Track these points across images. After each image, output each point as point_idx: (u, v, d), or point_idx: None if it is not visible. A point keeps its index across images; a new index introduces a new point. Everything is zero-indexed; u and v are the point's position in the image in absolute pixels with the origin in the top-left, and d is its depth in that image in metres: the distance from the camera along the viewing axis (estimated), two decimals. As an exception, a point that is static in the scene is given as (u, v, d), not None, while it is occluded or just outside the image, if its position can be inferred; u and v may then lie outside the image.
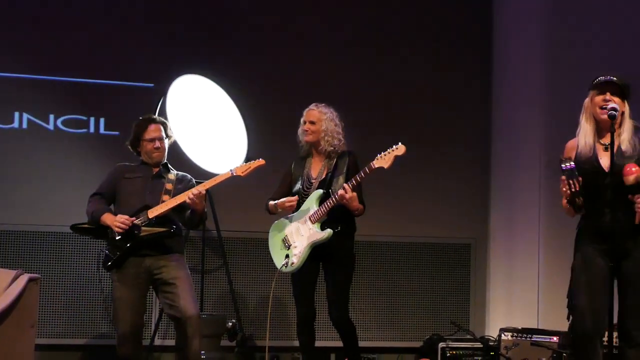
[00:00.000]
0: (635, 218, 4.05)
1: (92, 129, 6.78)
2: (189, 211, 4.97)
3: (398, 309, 6.91)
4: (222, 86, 6.78)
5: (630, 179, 3.99)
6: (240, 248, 6.72)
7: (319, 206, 5.08)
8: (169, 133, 5.22)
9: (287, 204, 5.16)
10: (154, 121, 5.19)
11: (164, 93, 6.62)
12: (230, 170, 5.02)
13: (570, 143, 4.36)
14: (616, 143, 4.14)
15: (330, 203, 5.02)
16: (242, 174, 5.02)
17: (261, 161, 5.06)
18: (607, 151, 4.15)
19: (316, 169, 5.27)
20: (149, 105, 6.63)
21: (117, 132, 6.72)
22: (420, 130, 7.00)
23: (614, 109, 4.06)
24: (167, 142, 5.17)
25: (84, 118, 6.77)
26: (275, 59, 7.00)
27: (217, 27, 6.96)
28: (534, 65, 7.06)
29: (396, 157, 4.92)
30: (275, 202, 5.24)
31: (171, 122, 6.48)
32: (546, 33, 7.02)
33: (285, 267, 5.14)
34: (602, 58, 6.61)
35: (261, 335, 6.57)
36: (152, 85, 6.78)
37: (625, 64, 6.44)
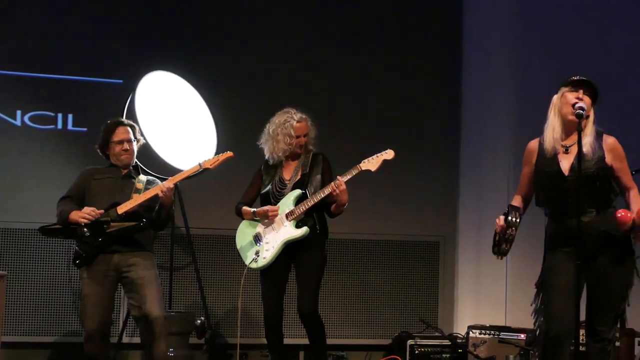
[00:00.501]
0: (636, 240, 4.14)
1: (59, 125, 6.71)
2: (157, 206, 4.94)
3: (367, 307, 6.92)
4: (192, 83, 6.74)
5: (626, 227, 4.06)
6: (209, 245, 6.69)
7: (296, 206, 5.10)
8: (138, 136, 5.19)
9: (270, 213, 5.11)
10: (122, 124, 5.17)
11: (133, 89, 6.57)
12: (199, 163, 5.00)
13: (531, 145, 4.38)
14: (576, 147, 4.15)
15: (309, 202, 5.05)
16: (210, 167, 5.01)
17: (229, 153, 5.06)
18: (567, 154, 4.20)
19: (289, 170, 5.27)
20: (117, 101, 6.59)
21: (84, 129, 6.67)
22: (389, 129, 7.01)
23: (581, 108, 4.09)
24: (135, 145, 5.14)
25: (52, 114, 6.70)
26: (245, 56, 6.97)
27: (186, 23, 6.92)
28: (503, 67, 7.12)
29: (384, 161, 5.02)
30: (255, 210, 5.20)
31: (140, 118, 6.46)
32: (515, 36, 7.08)
33: (255, 262, 5.12)
34: (570, 62, 6.68)
35: (230, 333, 6.56)
36: (121, 81, 6.72)
37: (593, 69, 6.51)
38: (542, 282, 4.32)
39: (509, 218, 4.20)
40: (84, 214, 4.83)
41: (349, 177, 5.01)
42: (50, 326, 6.42)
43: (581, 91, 4.18)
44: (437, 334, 6.50)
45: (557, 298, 4.18)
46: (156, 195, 4.92)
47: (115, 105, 6.60)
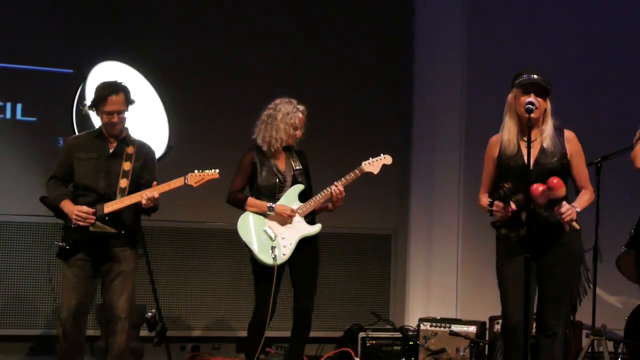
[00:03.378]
0: (564, 226, 4.13)
1: (8, 115, 6.59)
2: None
3: (319, 299, 6.87)
4: (143, 73, 6.69)
5: (540, 200, 4.08)
6: (160, 238, 6.63)
7: (306, 201, 5.11)
8: (132, 101, 4.83)
9: (288, 215, 5.05)
10: (116, 92, 4.76)
11: (83, 79, 6.49)
12: (185, 177, 4.88)
13: (494, 139, 4.41)
14: (539, 140, 4.22)
15: (319, 199, 5.11)
16: (194, 185, 4.88)
17: (215, 173, 4.85)
18: (531, 148, 4.24)
19: (282, 162, 5.20)
20: (68, 91, 6.52)
21: (34, 119, 6.57)
22: (342, 123, 7.03)
23: (531, 102, 4.12)
24: (126, 114, 4.81)
25: (0, 104, 6.58)
26: (197, 46, 6.92)
27: (139, 13, 6.85)
28: (454, 62, 7.18)
29: (384, 165, 5.22)
30: (275, 205, 5.06)
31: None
32: (466, 32, 7.15)
33: (274, 259, 5.03)
34: (521, 56, 6.76)
35: (181, 325, 6.52)
36: (71, 71, 6.63)
37: (545, 60, 6.60)
38: (497, 273, 4.36)
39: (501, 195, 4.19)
40: (76, 216, 4.67)
41: (349, 180, 5.12)
42: (30, 319, 6.35)
43: (532, 94, 4.21)
44: (388, 326, 6.54)
45: (511, 288, 4.23)
46: (144, 173, 4.81)
47: (66, 94, 6.51)
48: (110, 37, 6.71)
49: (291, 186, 5.14)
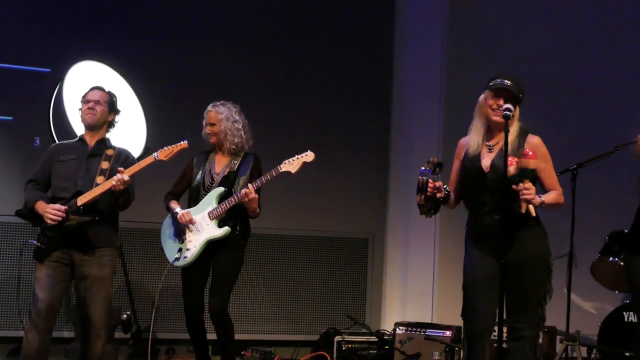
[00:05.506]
0: (521, 207, 4.11)
1: (-16, 114, 6.55)
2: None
3: (295, 303, 6.93)
4: (121, 74, 6.66)
5: (511, 169, 4.07)
6: (136, 239, 6.61)
7: (219, 204, 5.07)
8: (117, 109, 4.95)
9: (184, 221, 5.10)
10: (99, 88, 4.95)
11: (61, 79, 6.44)
12: (154, 154, 4.87)
13: (462, 141, 4.43)
14: (500, 144, 4.20)
15: (231, 201, 5.03)
16: (165, 158, 4.87)
17: (184, 144, 4.88)
18: (490, 152, 4.25)
19: (220, 165, 5.24)
20: (45, 90, 6.47)
21: (10, 117, 6.51)
22: (320, 127, 7.04)
23: (508, 109, 4.12)
24: (108, 113, 4.89)
25: (-24, 102, 6.54)
26: (177, 48, 6.90)
27: (116, 13, 6.81)
28: (432, 69, 7.21)
29: (304, 163, 5.02)
30: (179, 211, 5.15)
31: (68, 108, 6.35)
32: (445, 37, 7.19)
33: (178, 260, 5.11)
34: (499, 60, 6.80)
35: (156, 327, 6.48)
36: (49, 70, 6.59)
37: (520, 65, 6.65)
38: (463, 278, 4.37)
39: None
40: (49, 215, 4.67)
41: (264, 181, 5.00)
42: (9, 321, 6.27)
43: (502, 100, 4.22)
44: (364, 330, 6.54)
45: (474, 294, 4.25)
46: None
47: (43, 94, 6.47)
48: (89, 36, 6.67)
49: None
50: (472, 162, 4.27)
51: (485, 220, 4.21)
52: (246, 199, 4.96)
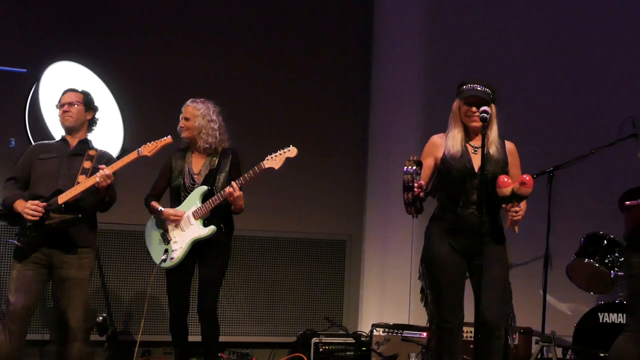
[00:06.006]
0: (507, 224, 4.20)
1: (-42, 114, 6.49)
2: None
3: (273, 304, 6.92)
4: (99, 74, 6.63)
5: (506, 191, 4.13)
6: (113, 241, 6.56)
7: (203, 203, 5.06)
8: (93, 106, 4.95)
9: (172, 218, 5.09)
10: (71, 89, 4.94)
11: (37, 79, 6.40)
12: (137, 150, 4.85)
13: (437, 139, 4.45)
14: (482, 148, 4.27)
15: (215, 200, 5.01)
16: (149, 154, 4.84)
17: (168, 139, 4.89)
18: (476, 154, 4.29)
19: (198, 164, 5.22)
20: (21, 90, 6.42)
21: (-15, 118, 6.47)
22: (300, 130, 7.03)
23: (485, 111, 4.17)
24: (85, 112, 4.88)
25: (-50, 102, 6.48)
26: (154, 48, 6.87)
27: (93, 14, 6.77)
28: (410, 72, 7.24)
29: (287, 159, 4.99)
30: (162, 209, 5.14)
31: (44, 109, 6.30)
32: (423, 42, 7.21)
33: (164, 262, 5.09)
34: (475, 64, 6.83)
35: (133, 329, 6.46)
36: (24, 70, 6.53)
37: (496, 69, 6.68)
38: (430, 274, 4.39)
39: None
40: (28, 210, 4.62)
41: (247, 178, 4.98)
42: None
43: (474, 108, 4.27)
44: (341, 332, 6.55)
45: (447, 291, 4.28)
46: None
47: (19, 94, 6.42)
48: (65, 37, 6.63)
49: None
50: (461, 163, 4.30)
51: (468, 219, 4.24)
52: (231, 198, 4.96)
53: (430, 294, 4.41)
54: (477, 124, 4.23)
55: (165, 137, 4.86)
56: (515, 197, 4.13)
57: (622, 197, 5.73)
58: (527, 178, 4.11)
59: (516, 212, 4.15)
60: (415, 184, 4.05)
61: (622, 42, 6.82)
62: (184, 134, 5.21)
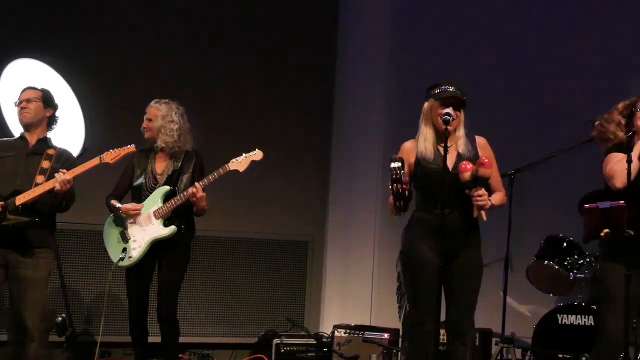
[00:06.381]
0: (474, 212, 4.20)
1: None
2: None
3: (234, 305, 6.90)
4: (61, 72, 6.56)
5: (466, 175, 4.14)
6: (73, 241, 6.50)
7: (165, 203, 5.04)
8: (53, 104, 4.89)
9: (132, 212, 5.06)
10: (30, 87, 4.89)
11: (-3, 76, 6.32)
12: (100, 157, 4.81)
13: (409, 145, 4.47)
14: (455, 147, 4.33)
15: (177, 201, 5.00)
16: (111, 162, 4.82)
17: (132, 148, 4.87)
18: (448, 154, 4.32)
19: (161, 165, 5.20)
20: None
21: (-58, 116, 6.37)
22: (262, 130, 7.02)
23: (448, 114, 4.21)
24: (43, 109, 4.83)
25: None
26: (117, 47, 6.80)
27: (54, 10, 6.69)
28: (374, 74, 7.26)
29: (253, 162, 5.03)
30: (120, 206, 5.11)
31: (4, 107, 6.22)
32: (388, 45, 7.24)
33: (122, 261, 5.06)
34: (441, 68, 6.87)
35: (93, 330, 6.40)
36: (-16, 68, 6.46)
37: (461, 73, 6.72)
38: (410, 275, 4.41)
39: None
40: None
41: (212, 180, 4.98)
42: None
43: (451, 108, 4.30)
44: (303, 333, 6.55)
45: (425, 292, 4.28)
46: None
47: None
48: (26, 34, 6.54)
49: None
50: (435, 163, 4.31)
51: (446, 219, 4.23)
52: (194, 199, 4.94)
53: (408, 295, 4.41)
54: (450, 127, 4.27)
55: (129, 146, 4.85)
56: (476, 181, 4.14)
57: (582, 201, 5.83)
58: (486, 160, 4.14)
59: (480, 196, 4.15)
60: (405, 180, 4.07)
61: (584, 46, 6.92)
62: (146, 135, 5.21)
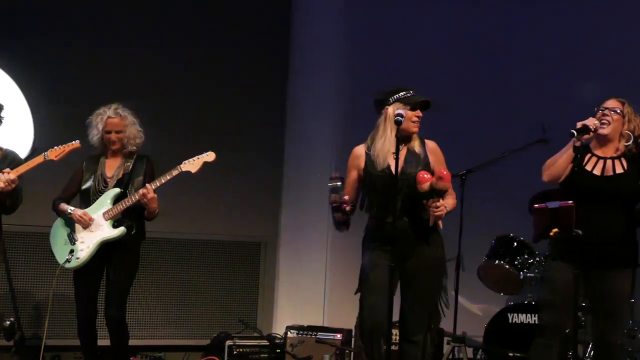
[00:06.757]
0: (430, 220, 4.25)
1: None
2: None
3: (187, 307, 6.85)
4: (8, 71, 6.48)
5: (425, 186, 4.19)
6: (21, 243, 6.40)
7: (114, 205, 5.00)
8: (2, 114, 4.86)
9: (80, 219, 5.01)
10: None
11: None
12: (44, 154, 4.76)
13: (358, 150, 4.48)
14: (404, 151, 4.36)
15: (127, 202, 4.98)
16: (55, 158, 4.77)
17: (76, 143, 4.85)
18: (398, 158, 4.34)
19: (112, 168, 5.16)
20: None
21: None
22: (214, 129, 6.98)
23: (400, 115, 4.22)
24: None
25: None
26: (66, 45, 6.71)
27: (2, 8, 6.59)
28: (327, 74, 7.27)
29: (205, 163, 5.03)
30: (72, 209, 5.06)
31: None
32: (340, 41, 7.25)
33: (69, 262, 5.01)
34: (393, 67, 6.90)
35: (42, 334, 6.29)
36: None
37: (414, 71, 6.77)
38: (360, 278, 4.43)
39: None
40: None
41: (163, 181, 4.97)
42: None
43: (419, 112, 4.35)
44: (255, 334, 6.53)
45: (374, 294, 4.30)
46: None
47: None
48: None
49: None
50: (383, 169, 4.33)
51: (397, 224, 4.26)
52: (145, 200, 4.92)
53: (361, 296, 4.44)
54: (417, 129, 4.30)
55: (73, 142, 4.81)
56: (434, 192, 4.19)
57: (531, 200, 5.90)
58: (445, 172, 4.19)
59: (437, 207, 4.20)
60: (343, 200, 4.10)
61: (535, 48, 7.01)
62: (114, 147, 5.14)
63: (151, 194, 4.93)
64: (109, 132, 5.10)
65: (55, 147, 4.79)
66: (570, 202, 4.18)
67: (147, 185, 4.95)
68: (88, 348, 5.16)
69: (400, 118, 4.20)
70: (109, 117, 5.10)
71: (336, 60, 7.26)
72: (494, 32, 7.12)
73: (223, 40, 7.22)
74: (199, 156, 5.05)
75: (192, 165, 5.02)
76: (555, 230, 4.22)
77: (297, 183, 7.35)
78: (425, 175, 4.20)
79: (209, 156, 5.06)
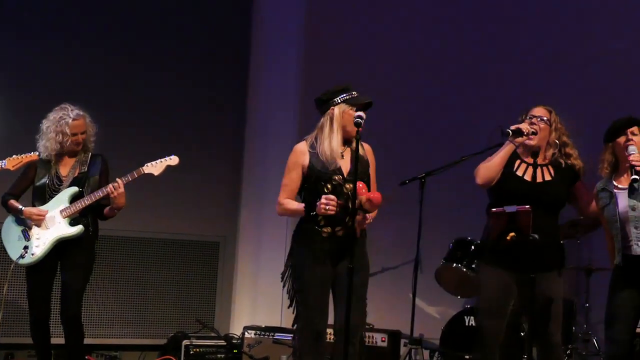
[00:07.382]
0: (357, 232, 4.31)
1: None
2: None
3: (143, 306, 6.81)
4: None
5: (363, 198, 4.22)
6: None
7: (72, 203, 4.97)
8: None
9: (35, 217, 4.97)
10: None
11: None
12: (2, 162, 4.71)
13: (301, 147, 4.49)
14: (348, 150, 4.42)
15: (85, 201, 4.96)
16: (12, 168, 4.76)
17: (34, 155, 4.88)
18: (343, 159, 4.40)
19: (66, 166, 5.12)
20: None
21: None
22: (173, 127, 6.95)
23: (360, 117, 4.25)
24: None
25: None
26: (23, 47, 6.64)
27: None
28: (287, 71, 7.27)
29: (168, 166, 5.04)
30: (23, 208, 5.01)
31: None
32: (301, 41, 7.26)
33: (23, 258, 4.96)
34: (354, 67, 6.92)
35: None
36: None
37: (374, 72, 6.79)
38: (300, 277, 4.42)
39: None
40: None
41: (129, 179, 4.97)
42: None
43: (363, 112, 4.35)
44: (212, 334, 6.51)
45: (312, 293, 4.34)
46: None
47: None
48: None
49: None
50: (333, 171, 4.35)
51: (336, 224, 4.30)
52: (114, 194, 4.90)
53: (299, 297, 4.42)
54: (361, 129, 4.32)
55: (31, 153, 4.80)
56: (361, 209, 4.25)
57: (489, 204, 5.93)
58: (375, 196, 4.26)
59: (365, 220, 4.32)
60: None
61: (499, 50, 7.06)
62: (78, 148, 5.10)
63: (121, 189, 4.92)
64: (75, 135, 5.05)
65: (14, 157, 4.76)
66: (528, 206, 4.21)
67: (117, 179, 4.94)
68: (41, 347, 5.11)
69: (360, 120, 4.21)
70: (73, 119, 5.04)
71: (296, 58, 7.26)
72: (459, 34, 7.16)
73: (182, 38, 7.18)
74: (162, 159, 5.05)
75: (154, 168, 5.02)
76: (512, 234, 4.25)
77: (256, 181, 7.34)
78: (363, 189, 4.25)
79: (173, 160, 5.07)
